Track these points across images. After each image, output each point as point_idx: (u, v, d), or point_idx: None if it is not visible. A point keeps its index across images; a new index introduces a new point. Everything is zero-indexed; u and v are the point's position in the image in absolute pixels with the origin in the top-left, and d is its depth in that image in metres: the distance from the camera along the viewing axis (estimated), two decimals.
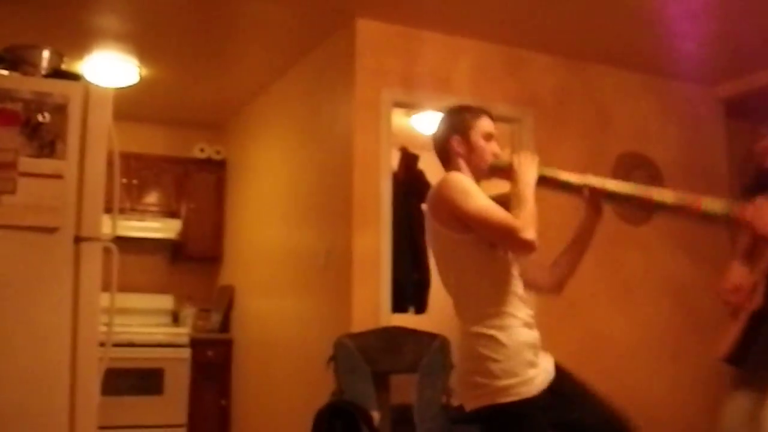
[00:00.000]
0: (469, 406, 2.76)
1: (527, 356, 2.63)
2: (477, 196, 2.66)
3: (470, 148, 2.87)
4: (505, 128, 5.29)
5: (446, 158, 2.91)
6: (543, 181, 2.80)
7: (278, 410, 5.59)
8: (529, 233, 2.56)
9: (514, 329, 2.64)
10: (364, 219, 4.61)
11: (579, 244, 2.94)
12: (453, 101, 5.00)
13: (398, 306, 5.29)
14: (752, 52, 5.14)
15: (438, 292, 6.22)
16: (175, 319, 7.07)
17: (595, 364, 4.10)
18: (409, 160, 6.11)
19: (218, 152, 7.22)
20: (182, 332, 6.67)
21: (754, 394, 3.34)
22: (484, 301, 2.70)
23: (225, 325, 6.83)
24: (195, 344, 6.54)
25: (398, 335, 4.43)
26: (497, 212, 2.62)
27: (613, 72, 5.51)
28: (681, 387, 5.46)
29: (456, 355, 2.90)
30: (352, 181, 4.63)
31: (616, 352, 5.22)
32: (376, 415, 4.00)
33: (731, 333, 3.42)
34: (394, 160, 5.59)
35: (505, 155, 2.88)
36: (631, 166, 5.39)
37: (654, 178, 5.52)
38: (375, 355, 4.29)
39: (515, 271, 2.73)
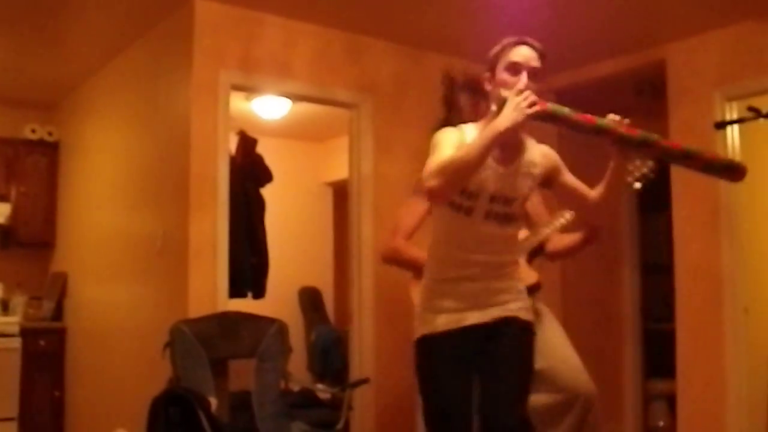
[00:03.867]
0: None
1: (436, 302, 2.86)
2: (439, 151, 2.64)
3: (495, 85, 2.72)
4: (344, 114, 5.35)
5: (474, 88, 2.96)
6: (552, 119, 2.61)
7: (114, 399, 5.47)
8: (431, 181, 2.54)
9: (435, 273, 2.86)
10: (200, 203, 4.55)
11: (609, 185, 2.80)
12: (292, 86, 5.04)
13: (236, 291, 5.27)
14: (584, 44, 5.35)
15: (276, 277, 6.32)
16: (5, 307, 6.77)
17: None
18: (247, 143, 6.09)
19: (51, 133, 6.95)
20: (12, 321, 6.44)
21: None
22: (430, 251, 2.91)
23: (58, 314, 6.60)
24: (26, 334, 6.32)
25: (236, 320, 4.40)
26: (434, 159, 2.61)
27: (450, 60, 5.62)
28: None
29: None
30: (188, 164, 4.55)
31: None
32: (213, 402, 3.96)
33: None
34: (233, 144, 5.55)
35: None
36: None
37: None
38: (212, 341, 4.25)
39: (463, 229, 2.76)
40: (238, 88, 4.87)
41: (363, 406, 4.97)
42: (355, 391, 4.55)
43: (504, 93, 2.57)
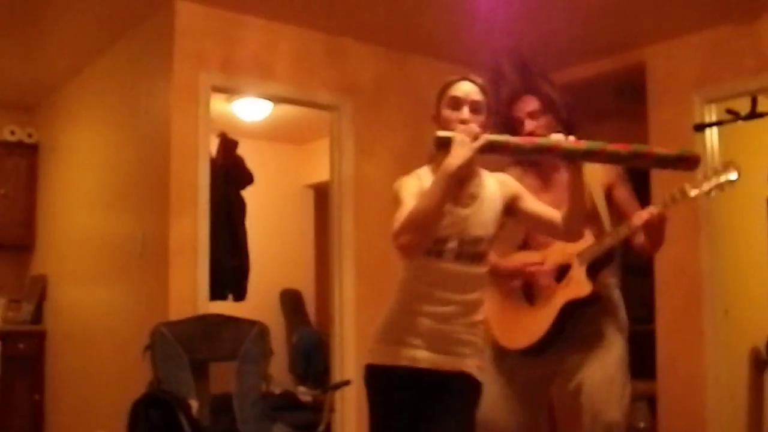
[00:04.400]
0: None
1: (395, 334, 2.70)
2: (402, 203, 2.58)
3: (437, 118, 2.71)
4: (325, 116, 5.35)
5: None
6: (495, 149, 2.54)
7: (94, 402, 5.43)
8: (400, 239, 2.49)
9: (400, 304, 2.71)
10: (181, 205, 4.53)
11: (573, 198, 2.70)
12: (273, 88, 5.04)
13: (217, 293, 5.26)
14: (563, 47, 5.38)
15: (257, 279, 6.31)
16: None
17: None
18: (228, 145, 6.08)
19: (30, 135, 6.89)
20: None
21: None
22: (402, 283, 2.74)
23: (37, 317, 6.55)
24: (5, 337, 6.26)
25: (217, 323, 4.39)
26: (399, 214, 2.55)
27: (431, 62, 5.64)
28: None
29: None
30: (169, 167, 4.54)
31: None
32: (194, 404, 3.95)
33: (540, 324, 3.34)
34: (213, 146, 5.54)
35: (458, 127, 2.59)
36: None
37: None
38: (193, 344, 4.24)
39: (433, 270, 2.66)
40: (218, 90, 4.86)
41: (344, 408, 4.97)
42: (336, 393, 4.55)
43: (439, 133, 2.53)
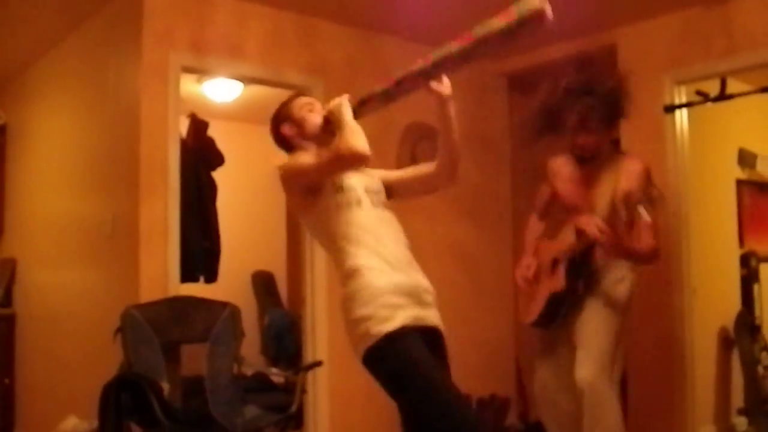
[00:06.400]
0: (358, 359, 2.82)
1: (384, 300, 2.75)
2: (303, 157, 2.90)
3: (299, 124, 3.05)
4: None
5: (290, 147, 3.08)
6: (366, 106, 2.86)
7: (65, 386, 5.40)
8: (353, 146, 2.70)
9: (365, 277, 2.77)
10: (151, 186, 4.50)
11: (444, 130, 2.97)
12: (243, 68, 5.00)
13: (188, 275, 5.23)
14: None
15: (228, 261, 6.28)
16: None
17: None
18: (198, 127, 6.04)
19: None
20: None
21: (559, 351, 3.98)
22: (338, 256, 2.88)
23: (7, 300, 6.48)
24: None
25: (188, 305, 4.38)
26: (323, 154, 2.83)
27: (402, 43, 5.62)
28: (463, 348, 5.72)
29: None
30: (138, 148, 4.49)
31: None
32: (165, 387, 3.94)
33: (535, 308, 3.98)
34: (183, 127, 5.50)
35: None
36: (418, 135, 5.54)
37: None
38: (164, 326, 4.22)
39: (363, 220, 2.86)
40: (188, 70, 4.81)
41: (317, 389, 4.97)
42: (308, 375, 4.55)
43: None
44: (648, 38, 5.28)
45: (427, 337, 2.81)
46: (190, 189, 5.42)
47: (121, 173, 4.71)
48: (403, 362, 2.70)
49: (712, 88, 5.04)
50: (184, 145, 5.06)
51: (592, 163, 3.99)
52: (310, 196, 2.91)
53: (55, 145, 5.86)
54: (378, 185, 3.04)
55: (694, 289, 5.09)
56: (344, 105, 2.87)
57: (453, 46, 2.64)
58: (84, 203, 5.28)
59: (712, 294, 5.54)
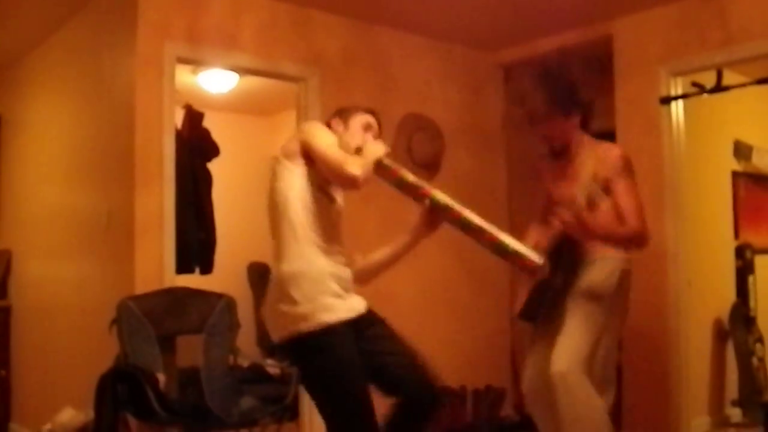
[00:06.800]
0: (276, 336, 2.88)
1: (330, 285, 2.85)
2: (327, 140, 2.95)
3: (346, 129, 3.13)
4: (292, 88, 5.31)
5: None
6: (383, 170, 2.96)
7: (61, 377, 5.40)
8: (355, 169, 2.79)
9: (316, 259, 2.86)
10: (146, 178, 4.49)
11: (397, 255, 3.16)
12: (239, 59, 4.99)
13: (183, 266, 5.23)
14: (531, 20, 5.38)
15: (224, 252, 6.27)
16: None
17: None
18: (193, 118, 6.03)
19: None
20: None
21: (544, 347, 3.88)
22: (288, 231, 2.92)
23: (2, 292, 6.46)
24: None
25: (183, 296, 4.38)
26: (337, 150, 2.90)
27: (398, 35, 5.62)
28: (458, 340, 5.73)
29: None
30: (133, 139, 4.48)
31: (399, 307, 5.39)
32: (161, 378, 3.95)
33: (521, 296, 3.96)
34: (179, 118, 5.48)
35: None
36: (414, 126, 5.54)
37: (435, 138, 5.72)
38: (160, 317, 4.23)
39: (332, 215, 3.00)
40: (183, 61, 4.80)
41: None
42: None
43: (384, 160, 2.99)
44: (644, 29, 5.27)
45: (355, 323, 2.90)
46: (186, 180, 5.41)
47: (117, 164, 4.70)
48: (336, 361, 2.80)
49: (708, 79, 5.03)
50: (180, 136, 5.04)
51: (567, 155, 3.91)
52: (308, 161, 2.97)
53: (50, 136, 5.84)
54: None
55: (689, 281, 5.10)
56: (378, 150, 2.96)
57: (482, 224, 2.99)
58: (79, 195, 5.27)
59: (707, 286, 5.56)
